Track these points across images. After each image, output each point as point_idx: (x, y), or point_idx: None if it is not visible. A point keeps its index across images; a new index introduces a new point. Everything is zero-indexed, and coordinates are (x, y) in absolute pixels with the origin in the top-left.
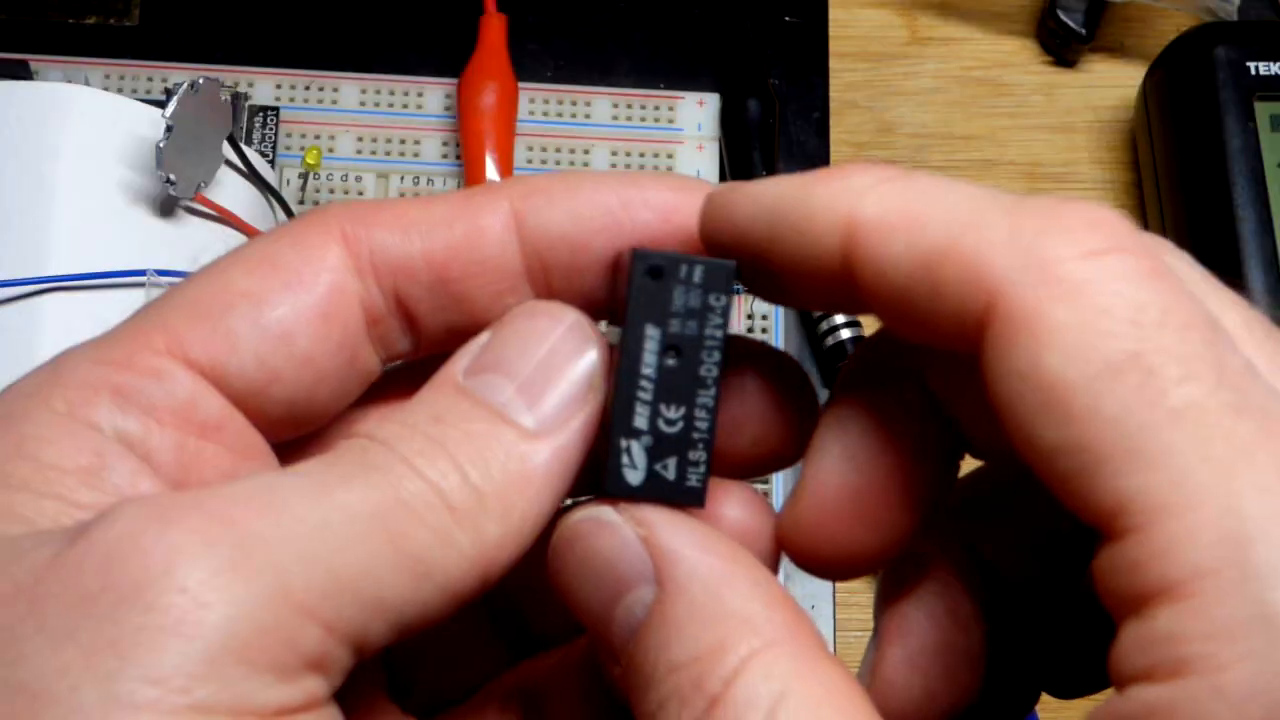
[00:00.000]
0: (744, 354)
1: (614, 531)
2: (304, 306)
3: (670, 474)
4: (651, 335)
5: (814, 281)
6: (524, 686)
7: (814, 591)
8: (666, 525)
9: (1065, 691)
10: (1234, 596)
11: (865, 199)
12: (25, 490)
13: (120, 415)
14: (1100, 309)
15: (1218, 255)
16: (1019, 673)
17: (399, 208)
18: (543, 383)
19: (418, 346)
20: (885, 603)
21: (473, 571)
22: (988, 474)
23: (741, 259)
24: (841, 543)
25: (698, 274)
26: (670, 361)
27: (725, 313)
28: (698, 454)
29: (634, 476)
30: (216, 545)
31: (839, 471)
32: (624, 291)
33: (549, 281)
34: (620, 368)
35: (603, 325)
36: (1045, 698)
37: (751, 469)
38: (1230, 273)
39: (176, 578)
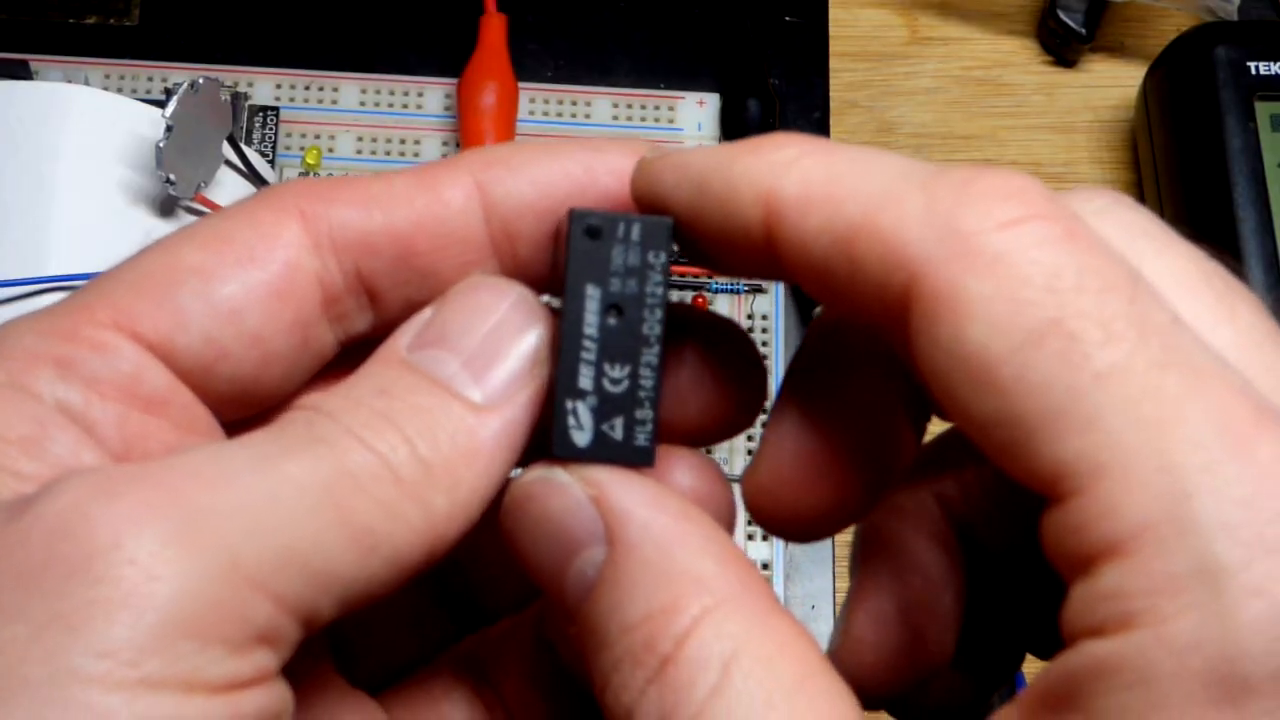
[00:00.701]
0: (688, 323)
1: (564, 491)
2: (256, 284)
3: (618, 434)
4: (592, 295)
5: (739, 252)
6: (472, 657)
7: (814, 591)
8: (617, 484)
9: (1049, 652)
10: (1174, 551)
11: (787, 174)
12: None
13: (62, 386)
14: (1018, 278)
15: (1217, 255)
16: (1001, 633)
17: (359, 184)
18: (488, 357)
19: (378, 324)
20: (858, 562)
21: (421, 544)
22: (957, 434)
23: (673, 221)
24: (802, 504)
25: (635, 232)
26: (612, 321)
27: (665, 270)
28: (644, 413)
29: (581, 437)
30: (165, 518)
31: (798, 433)
32: (563, 253)
33: (515, 251)
34: (562, 329)
35: (545, 298)
36: (1031, 659)
37: (701, 437)
38: (1230, 272)
39: (125, 550)
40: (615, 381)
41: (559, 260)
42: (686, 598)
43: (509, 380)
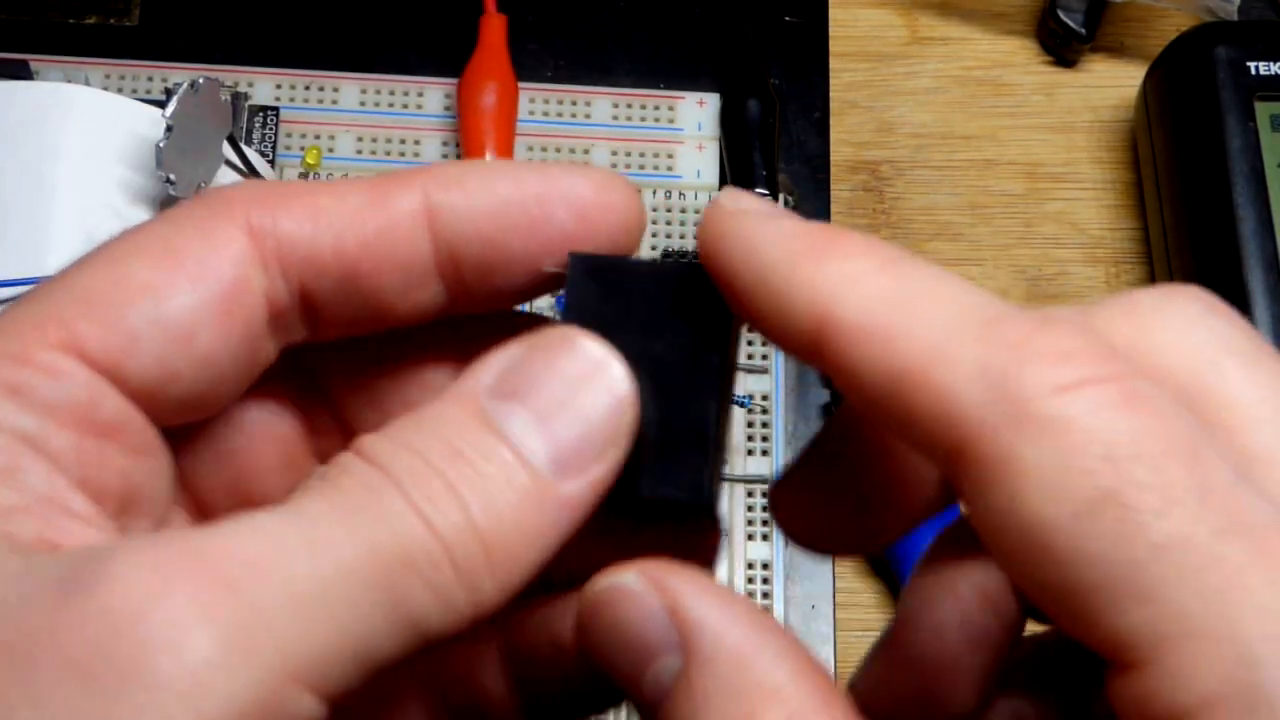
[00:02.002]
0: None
1: (638, 601)
2: (207, 303)
3: (678, 487)
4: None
5: (793, 348)
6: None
7: (814, 592)
8: (690, 593)
9: None
10: None
11: (846, 296)
12: None
13: (17, 413)
14: (1073, 447)
15: (1217, 255)
16: None
17: (309, 196)
18: (569, 427)
19: (316, 334)
20: (898, 605)
21: (461, 626)
22: None
23: (728, 291)
24: (825, 531)
25: (644, 276)
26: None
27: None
28: (701, 459)
29: (643, 488)
30: (223, 620)
31: (831, 465)
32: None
33: (460, 276)
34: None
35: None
36: None
37: None
38: (1230, 273)
39: (184, 656)
40: (669, 430)
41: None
42: (761, 710)
43: (584, 455)
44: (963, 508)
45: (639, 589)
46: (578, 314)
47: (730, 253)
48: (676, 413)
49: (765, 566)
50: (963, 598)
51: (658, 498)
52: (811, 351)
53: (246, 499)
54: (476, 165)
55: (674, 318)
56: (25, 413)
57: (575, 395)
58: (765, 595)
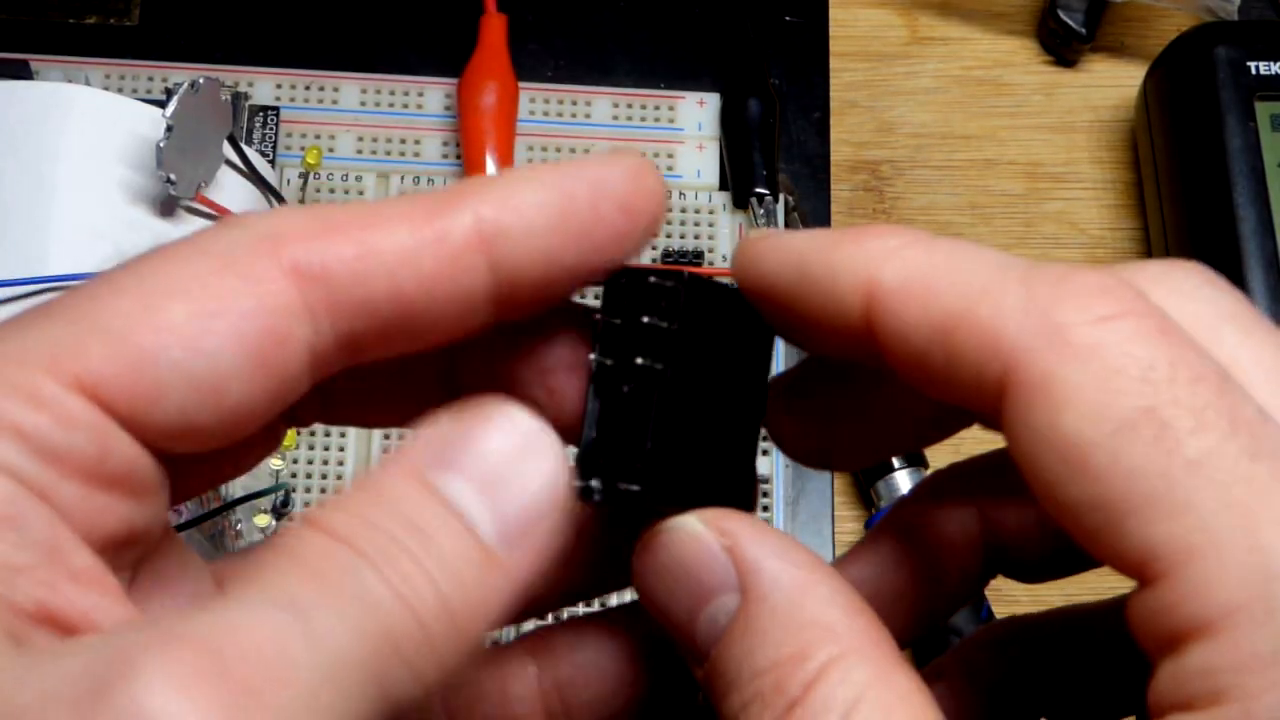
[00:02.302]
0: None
1: (699, 541)
2: (243, 357)
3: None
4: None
5: (837, 336)
6: None
7: None
8: (749, 535)
9: None
10: (1263, 629)
11: (887, 264)
12: None
13: (23, 458)
14: (1112, 369)
15: (1218, 255)
16: (1085, 710)
17: (358, 230)
18: (511, 500)
19: (353, 362)
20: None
21: (422, 695)
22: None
23: (770, 305)
24: (816, 445)
25: (667, 287)
26: (657, 376)
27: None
28: (747, 473)
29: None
30: None
31: (825, 385)
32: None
33: (515, 296)
34: (597, 387)
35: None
36: None
37: None
38: (1230, 273)
39: None
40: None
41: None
42: (815, 645)
43: (527, 525)
44: (1005, 439)
45: (699, 531)
46: (619, 328)
47: (771, 258)
48: (717, 425)
49: None
50: (933, 539)
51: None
52: (861, 325)
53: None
54: (520, 179)
55: (716, 334)
56: (32, 458)
57: (514, 467)
58: None
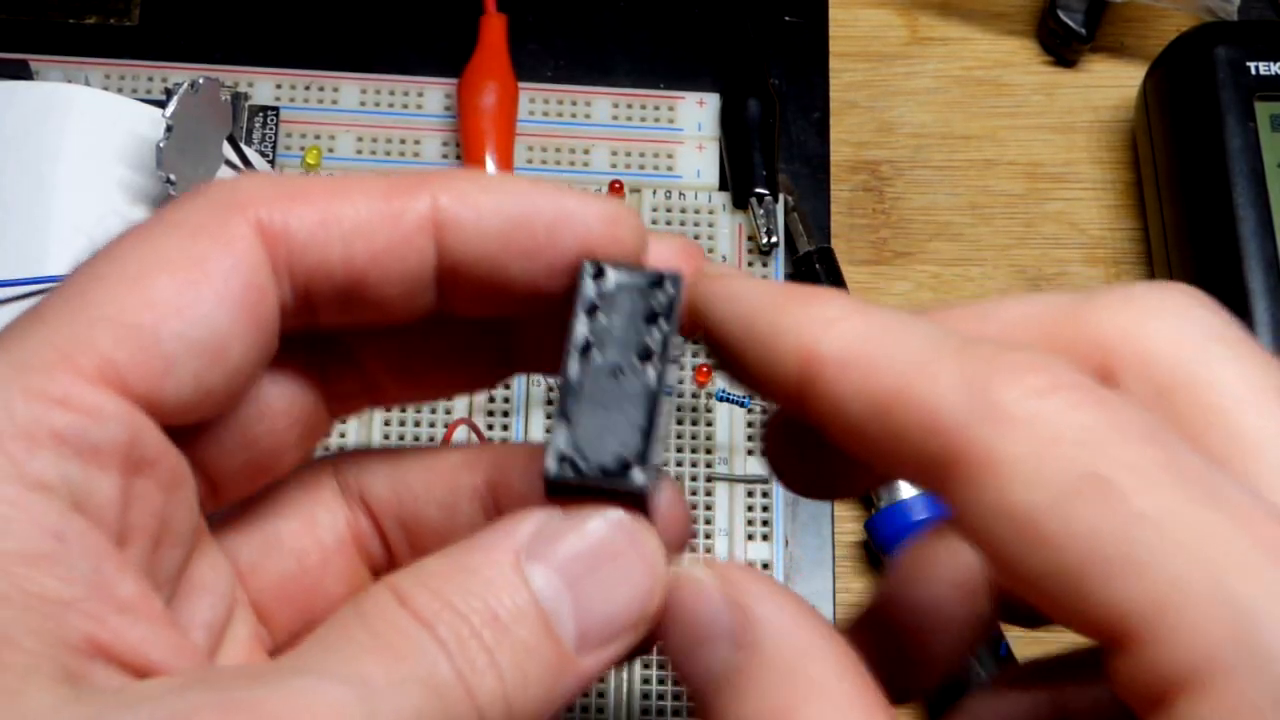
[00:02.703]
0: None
1: (703, 592)
2: (236, 316)
3: (612, 467)
4: (593, 338)
5: (775, 393)
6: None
7: (813, 591)
8: (755, 593)
9: None
10: (1247, 678)
11: (826, 333)
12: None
13: (64, 463)
14: (1051, 438)
15: (1218, 255)
16: None
17: (321, 199)
18: (600, 605)
19: (310, 327)
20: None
21: None
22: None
23: (718, 349)
24: (811, 475)
25: (640, 282)
26: (611, 365)
27: (669, 314)
28: (640, 450)
29: (569, 468)
30: None
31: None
32: (573, 293)
33: (456, 289)
34: (562, 369)
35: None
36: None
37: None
38: (1230, 273)
39: None
40: (609, 416)
41: (570, 296)
42: (804, 702)
43: (609, 634)
44: (953, 517)
45: (708, 582)
46: (579, 307)
47: (720, 308)
48: (623, 404)
49: (765, 566)
50: (943, 583)
51: (599, 480)
52: (797, 390)
53: (265, 473)
54: (489, 181)
55: (641, 320)
56: (70, 461)
57: (610, 572)
58: None
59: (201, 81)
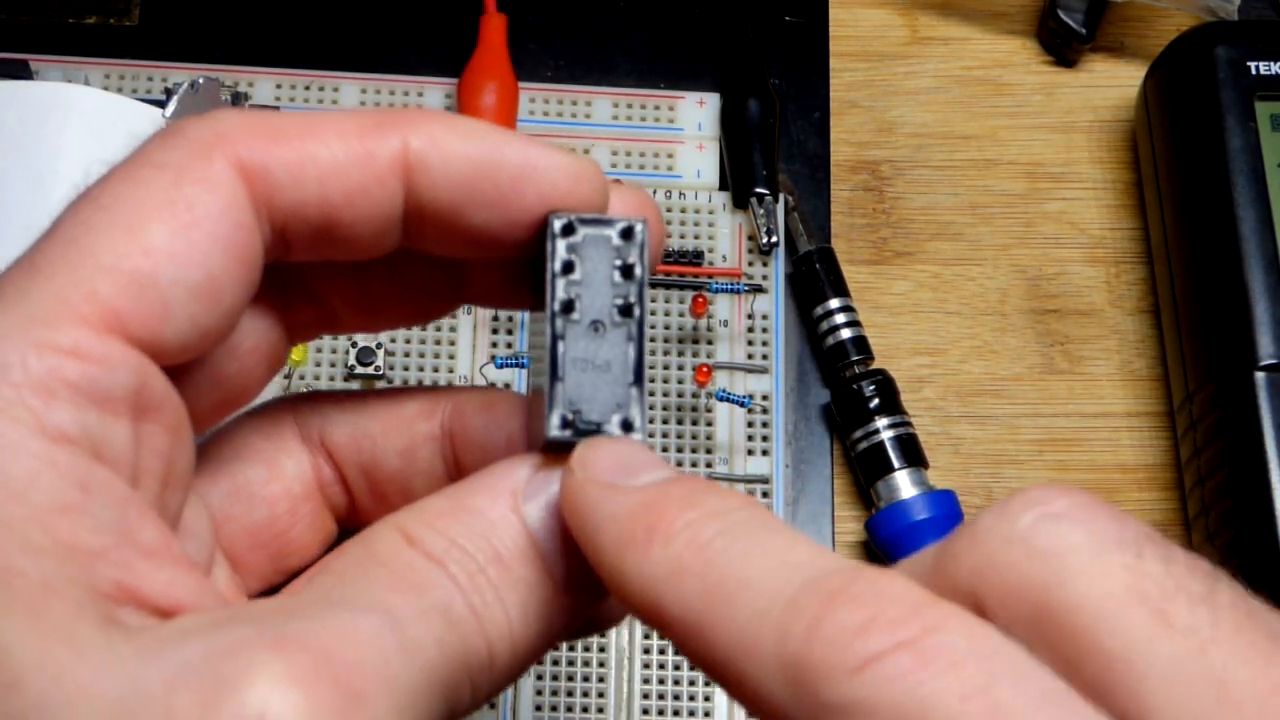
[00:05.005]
0: None
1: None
2: (225, 256)
3: (601, 420)
4: (569, 292)
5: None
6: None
7: None
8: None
9: None
10: None
11: (668, 593)
12: (23, 549)
13: (82, 414)
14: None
15: (1218, 255)
16: None
17: (296, 139)
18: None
19: (283, 260)
20: None
21: (473, 711)
22: None
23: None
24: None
25: (612, 232)
26: (589, 318)
27: (641, 262)
28: (627, 397)
29: (566, 426)
30: None
31: None
32: (544, 252)
33: (421, 229)
34: (547, 325)
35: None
36: None
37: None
38: (1230, 272)
39: None
40: (596, 371)
41: (540, 255)
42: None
43: (596, 574)
44: None
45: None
46: (552, 264)
47: (577, 532)
48: (607, 353)
49: None
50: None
51: (574, 430)
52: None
53: (232, 406)
54: (460, 124)
55: (614, 270)
56: (87, 411)
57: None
58: None
59: (201, 81)
